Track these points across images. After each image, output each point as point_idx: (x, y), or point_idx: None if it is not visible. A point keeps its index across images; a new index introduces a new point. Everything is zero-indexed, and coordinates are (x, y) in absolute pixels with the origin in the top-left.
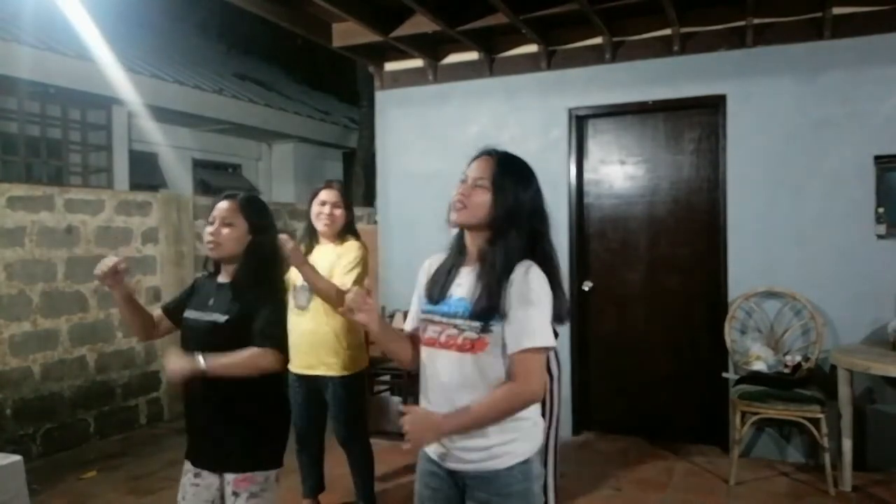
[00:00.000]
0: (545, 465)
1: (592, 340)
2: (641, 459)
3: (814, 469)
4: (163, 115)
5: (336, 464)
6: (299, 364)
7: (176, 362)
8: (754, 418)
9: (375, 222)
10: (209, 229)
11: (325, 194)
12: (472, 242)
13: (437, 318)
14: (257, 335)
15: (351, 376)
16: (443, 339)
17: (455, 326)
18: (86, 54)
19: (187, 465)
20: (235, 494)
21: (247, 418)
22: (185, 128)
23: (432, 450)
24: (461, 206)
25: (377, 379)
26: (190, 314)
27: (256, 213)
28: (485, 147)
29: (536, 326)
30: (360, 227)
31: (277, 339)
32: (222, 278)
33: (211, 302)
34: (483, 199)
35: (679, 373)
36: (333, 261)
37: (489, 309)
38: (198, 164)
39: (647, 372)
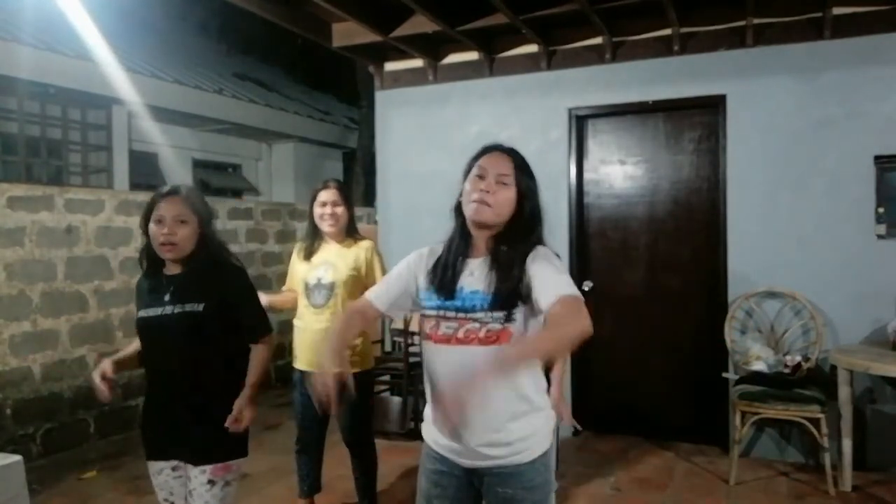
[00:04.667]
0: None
1: (592, 340)
2: (641, 459)
3: (814, 469)
4: (163, 115)
5: (334, 465)
6: (312, 362)
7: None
8: (754, 418)
9: (375, 222)
10: (161, 230)
11: (324, 195)
12: (481, 235)
13: (451, 313)
14: (251, 327)
15: (364, 373)
16: (461, 334)
17: (475, 320)
18: (86, 54)
19: (160, 464)
20: (211, 482)
21: (224, 413)
22: (185, 128)
23: (444, 448)
24: (486, 205)
25: (377, 379)
26: (148, 313)
27: (202, 204)
28: (493, 142)
29: (569, 283)
30: (360, 226)
31: (268, 323)
32: (171, 271)
33: (167, 296)
34: (508, 196)
35: (679, 373)
36: (359, 254)
37: (512, 296)
38: (198, 164)
39: (647, 372)
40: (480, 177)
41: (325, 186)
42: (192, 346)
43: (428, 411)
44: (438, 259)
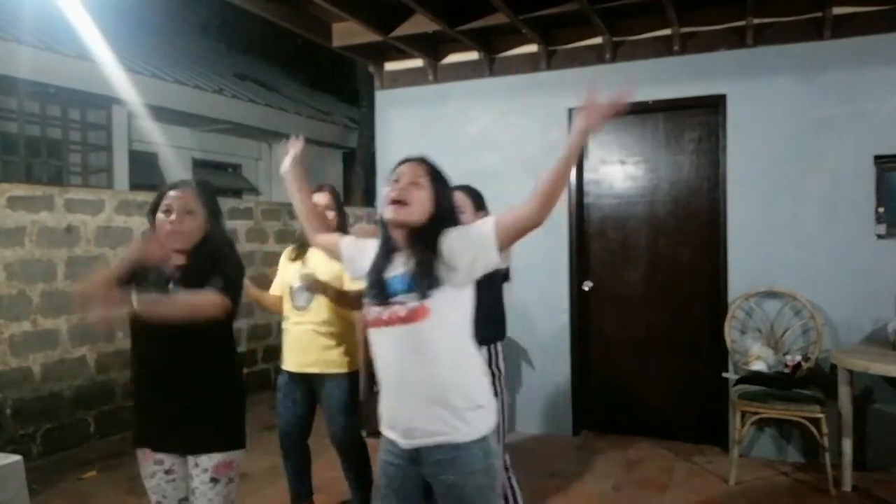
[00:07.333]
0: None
1: (592, 340)
2: (641, 459)
3: (814, 469)
4: (163, 115)
5: (328, 467)
6: (296, 362)
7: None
8: (754, 418)
9: (376, 222)
10: (168, 218)
11: (317, 198)
12: (400, 234)
13: (381, 299)
14: (209, 285)
15: (350, 374)
16: (386, 316)
17: (398, 303)
18: (86, 54)
19: (152, 466)
20: (214, 480)
21: (219, 398)
22: (185, 128)
23: (390, 429)
24: (403, 203)
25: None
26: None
27: (212, 198)
28: (408, 155)
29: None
30: (361, 226)
31: (229, 290)
32: (176, 261)
33: (171, 286)
34: (422, 195)
35: (679, 373)
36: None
37: (428, 276)
38: (198, 164)
39: (647, 372)
40: (396, 181)
41: (319, 189)
42: (188, 334)
43: (381, 398)
44: (374, 264)
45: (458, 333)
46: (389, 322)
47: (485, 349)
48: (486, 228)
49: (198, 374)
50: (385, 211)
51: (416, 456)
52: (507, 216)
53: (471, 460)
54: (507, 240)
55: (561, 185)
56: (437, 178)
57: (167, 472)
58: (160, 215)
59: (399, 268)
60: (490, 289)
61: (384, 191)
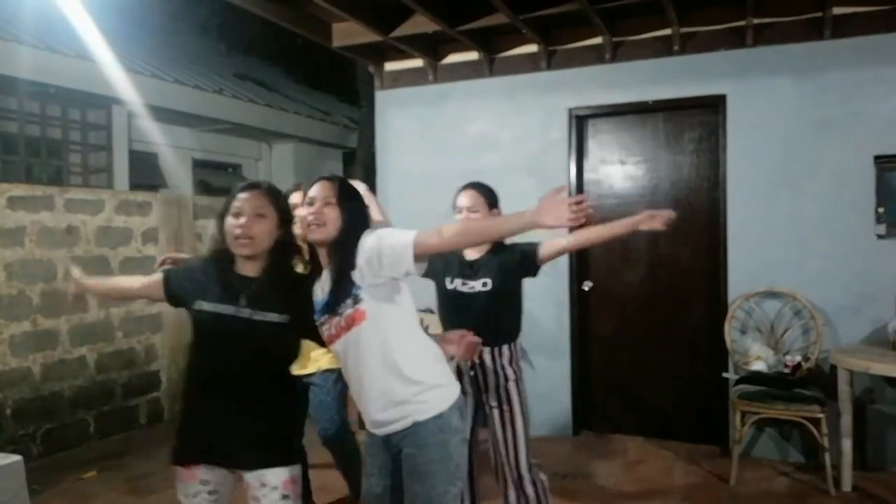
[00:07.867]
0: (514, 452)
1: (592, 340)
2: (641, 459)
3: (814, 469)
4: (163, 115)
5: (327, 467)
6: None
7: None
8: (754, 418)
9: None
10: (238, 222)
11: (294, 198)
12: (322, 252)
13: (323, 318)
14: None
15: (337, 370)
16: (334, 330)
17: (336, 315)
18: (86, 54)
19: (196, 486)
20: (286, 498)
21: (286, 412)
22: (185, 128)
23: (368, 423)
24: (319, 224)
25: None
26: (218, 308)
27: (283, 201)
28: (320, 175)
29: (400, 231)
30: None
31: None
32: (245, 271)
33: (243, 299)
34: (334, 215)
35: (679, 373)
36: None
37: (347, 286)
38: (198, 164)
39: (647, 372)
40: (310, 203)
41: (296, 189)
42: (263, 353)
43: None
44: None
45: (401, 324)
46: (338, 334)
47: (507, 346)
48: (405, 242)
49: (269, 387)
50: (306, 231)
51: (387, 439)
52: (427, 239)
53: (425, 434)
54: (423, 256)
55: (481, 243)
56: (345, 193)
57: (211, 492)
58: (229, 219)
59: (326, 285)
60: (521, 288)
61: (302, 213)
